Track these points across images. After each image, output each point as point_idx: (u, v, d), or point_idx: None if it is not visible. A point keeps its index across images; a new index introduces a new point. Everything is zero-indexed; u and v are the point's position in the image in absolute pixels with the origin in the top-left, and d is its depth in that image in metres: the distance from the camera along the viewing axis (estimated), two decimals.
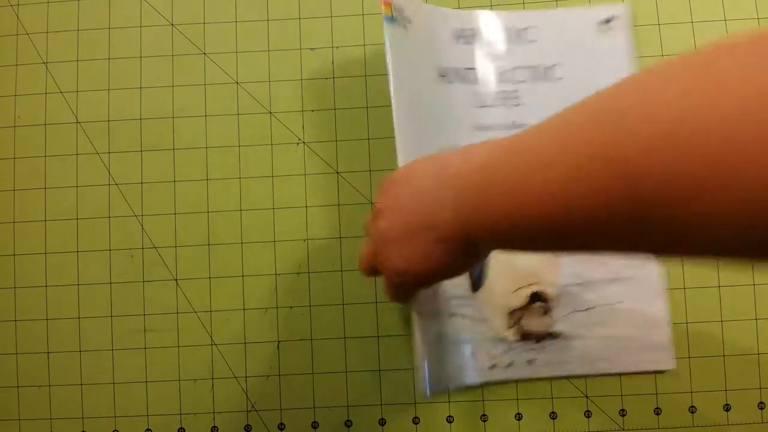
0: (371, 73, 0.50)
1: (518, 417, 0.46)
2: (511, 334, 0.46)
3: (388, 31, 0.42)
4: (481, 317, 0.46)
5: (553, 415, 0.46)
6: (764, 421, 0.45)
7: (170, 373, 0.48)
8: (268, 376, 0.48)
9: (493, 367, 0.46)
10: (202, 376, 0.48)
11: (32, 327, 0.48)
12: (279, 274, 0.48)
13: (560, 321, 0.46)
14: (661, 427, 0.46)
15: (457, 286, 0.46)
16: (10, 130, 0.50)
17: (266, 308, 0.48)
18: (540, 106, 0.47)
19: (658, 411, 0.46)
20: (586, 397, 0.46)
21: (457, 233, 0.32)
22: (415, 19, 0.46)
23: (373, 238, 0.38)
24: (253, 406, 0.47)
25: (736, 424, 0.46)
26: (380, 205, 0.37)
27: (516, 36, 0.49)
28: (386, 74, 0.41)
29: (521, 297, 0.46)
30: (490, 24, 0.49)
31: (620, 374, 0.46)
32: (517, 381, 0.46)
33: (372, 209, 0.39)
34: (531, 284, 0.47)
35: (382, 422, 0.47)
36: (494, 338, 0.46)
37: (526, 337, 0.46)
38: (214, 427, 0.47)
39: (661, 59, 0.46)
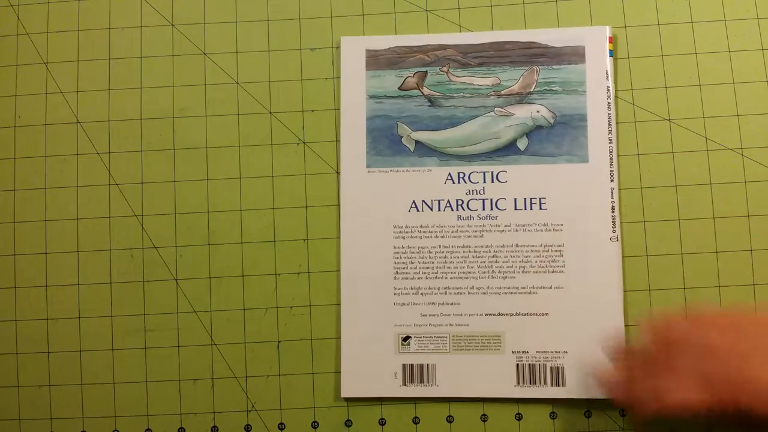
0: None
1: (518, 417, 0.46)
2: None
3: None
4: None
5: (553, 415, 0.46)
6: None
7: (170, 373, 0.48)
8: (268, 375, 0.48)
9: None
10: (203, 376, 0.48)
11: (32, 327, 0.48)
12: (279, 274, 0.48)
13: None
14: None
15: None
16: (11, 130, 0.50)
17: (266, 308, 0.48)
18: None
19: None
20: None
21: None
22: None
23: (650, 364, 0.38)
24: (253, 406, 0.47)
25: None
26: (678, 335, 0.37)
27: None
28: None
29: None
30: None
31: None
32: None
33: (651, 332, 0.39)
34: None
35: (382, 422, 0.47)
36: None
37: None
38: (214, 426, 0.47)
39: None
